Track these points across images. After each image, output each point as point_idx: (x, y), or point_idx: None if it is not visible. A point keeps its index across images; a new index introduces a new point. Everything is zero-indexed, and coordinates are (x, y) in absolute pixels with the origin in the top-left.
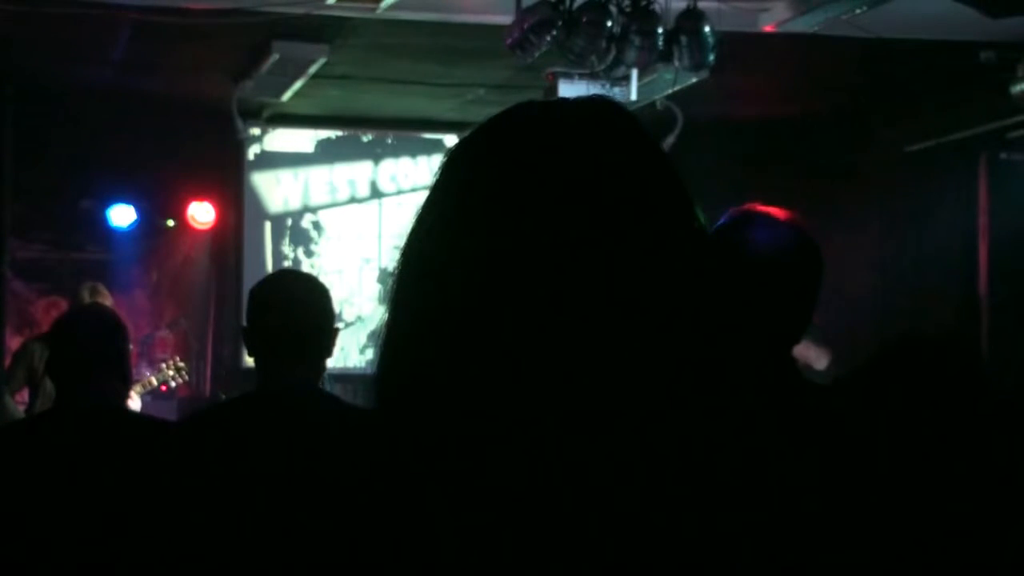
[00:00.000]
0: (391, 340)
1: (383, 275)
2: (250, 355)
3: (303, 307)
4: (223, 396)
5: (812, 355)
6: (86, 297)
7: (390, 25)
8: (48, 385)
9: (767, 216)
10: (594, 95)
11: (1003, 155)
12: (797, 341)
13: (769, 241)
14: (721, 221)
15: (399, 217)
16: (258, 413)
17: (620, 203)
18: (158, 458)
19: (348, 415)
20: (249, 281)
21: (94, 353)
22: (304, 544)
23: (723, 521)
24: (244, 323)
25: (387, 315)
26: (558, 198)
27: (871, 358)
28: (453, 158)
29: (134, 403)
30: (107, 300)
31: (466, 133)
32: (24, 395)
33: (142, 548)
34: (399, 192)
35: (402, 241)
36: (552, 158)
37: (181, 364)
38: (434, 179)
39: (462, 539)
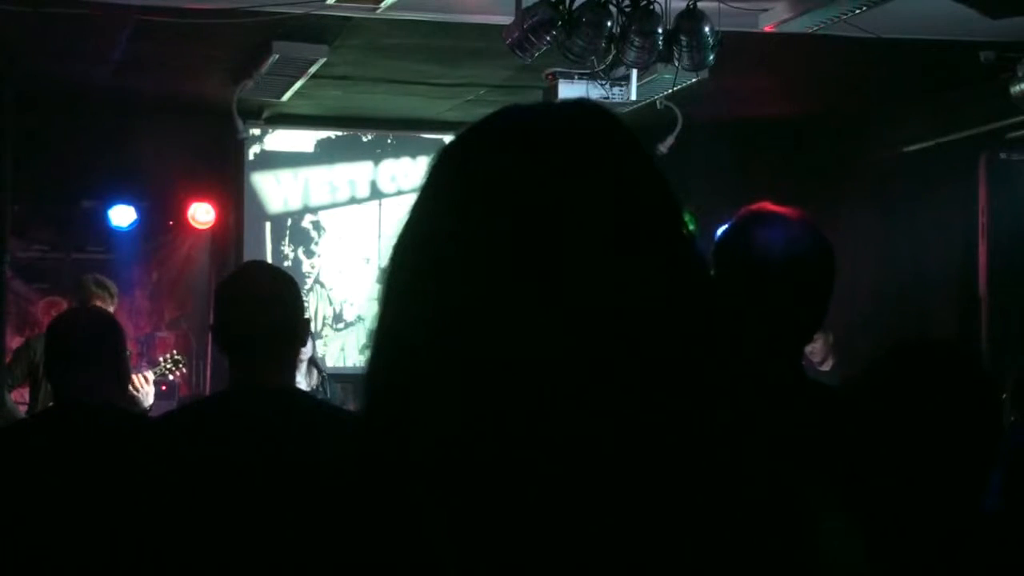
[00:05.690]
0: (380, 341)
1: (383, 275)
2: (221, 352)
3: (270, 302)
4: None
5: (821, 354)
6: (90, 287)
7: (390, 25)
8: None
9: (780, 215)
10: (581, 99)
11: (1003, 155)
12: (809, 340)
13: (783, 240)
14: (733, 220)
15: (399, 217)
16: (230, 412)
17: (607, 208)
18: (131, 460)
19: (323, 411)
20: None
21: (86, 353)
22: (289, 546)
23: (724, 529)
24: (211, 321)
25: (377, 315)
26: (546, 203)
27: (873, 361)
28: (441, 161)
29: (148, 396)
30: (112, 290)
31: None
32: (25, 395)
33: (124, 547)
34: (399, 192)
35: (393, 241)
36: (538, 164)
37: (179, 357)
38: (422, 181)
39: (452, 540)
